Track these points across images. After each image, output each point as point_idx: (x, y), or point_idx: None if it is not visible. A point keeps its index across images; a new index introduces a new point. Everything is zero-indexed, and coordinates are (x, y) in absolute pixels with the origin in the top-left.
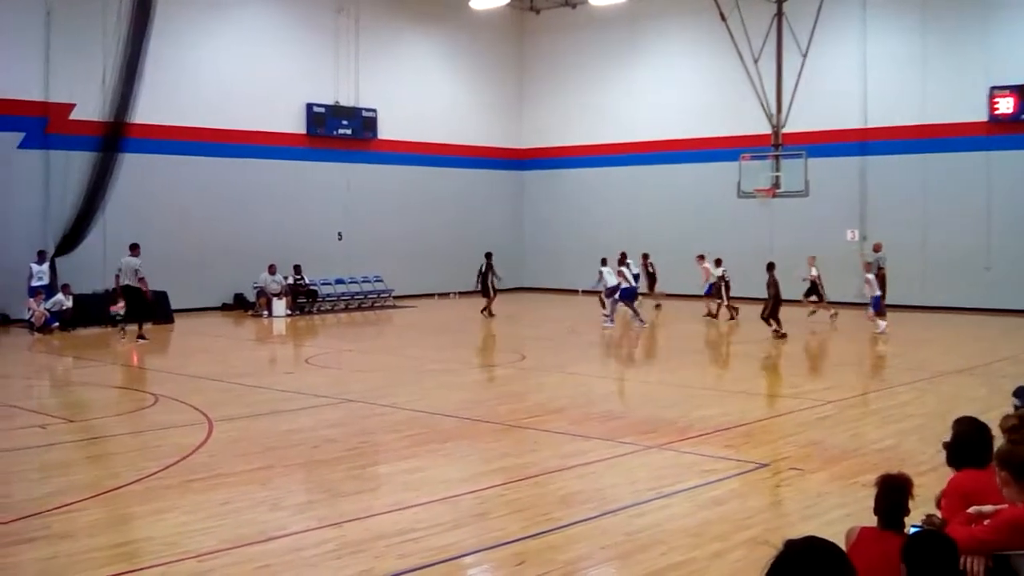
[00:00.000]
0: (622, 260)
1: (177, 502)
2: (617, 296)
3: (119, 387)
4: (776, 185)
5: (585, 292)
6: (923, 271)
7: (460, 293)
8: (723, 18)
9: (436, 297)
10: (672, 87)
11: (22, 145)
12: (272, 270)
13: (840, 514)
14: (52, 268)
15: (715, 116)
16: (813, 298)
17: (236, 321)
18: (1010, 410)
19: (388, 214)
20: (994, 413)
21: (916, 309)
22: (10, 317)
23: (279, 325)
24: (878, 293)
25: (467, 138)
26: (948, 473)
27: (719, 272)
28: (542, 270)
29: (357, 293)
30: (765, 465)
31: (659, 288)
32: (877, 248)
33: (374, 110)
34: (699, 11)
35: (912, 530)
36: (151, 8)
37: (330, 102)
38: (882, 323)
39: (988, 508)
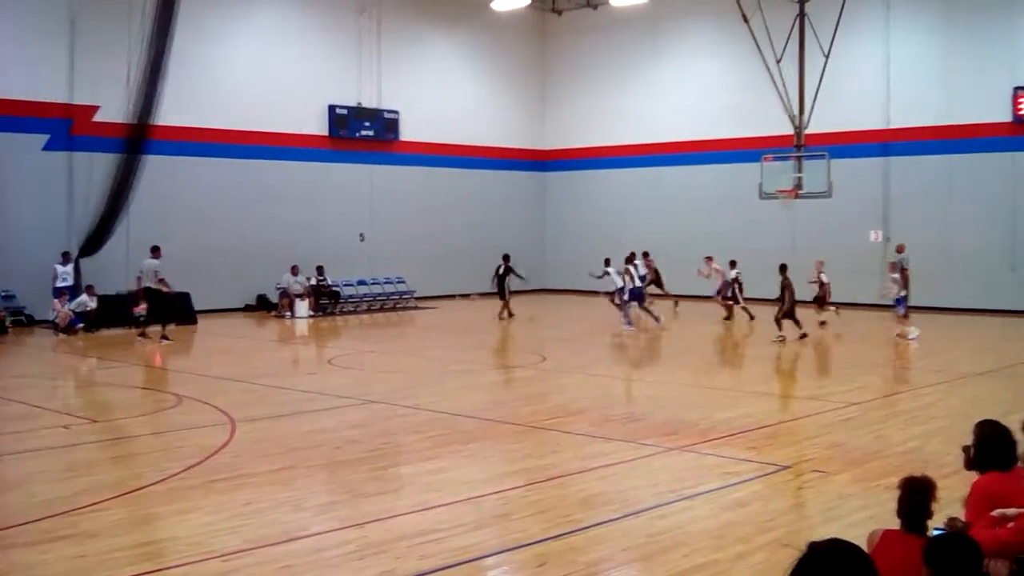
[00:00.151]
0: (629, 259)
1: (200, 502)
2: (627, 297)
3: (142, 388)
4: (798, 186)
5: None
6: (947, 272)
7: (481, 294)
8: (745, 19)
9: (457, 298)
10: (694, 88)
11: (47, 147)
12: (295, 271)
13: (862, 516)
14: (76, 269)
15: (737, 117)
16: (819, 299)
17: (259, 322)
18: None
19: (410, 215)
20: (1018, 416)
21: (940, 311)
22: (35, 318)
23: (301, 326)
24: (904, 293)
25: (489, 139)
26: (971, 476)
27: (734, 274)
28: (563, 271)
29: (379, 294)
30: (787, 467)
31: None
32: (900, 249)
33: (396, 111)
34: (721, 12)
35: (935, 533)
36: (175, 8)
37: (352, 104)
38: (915, 330)
39: (1012, 511)
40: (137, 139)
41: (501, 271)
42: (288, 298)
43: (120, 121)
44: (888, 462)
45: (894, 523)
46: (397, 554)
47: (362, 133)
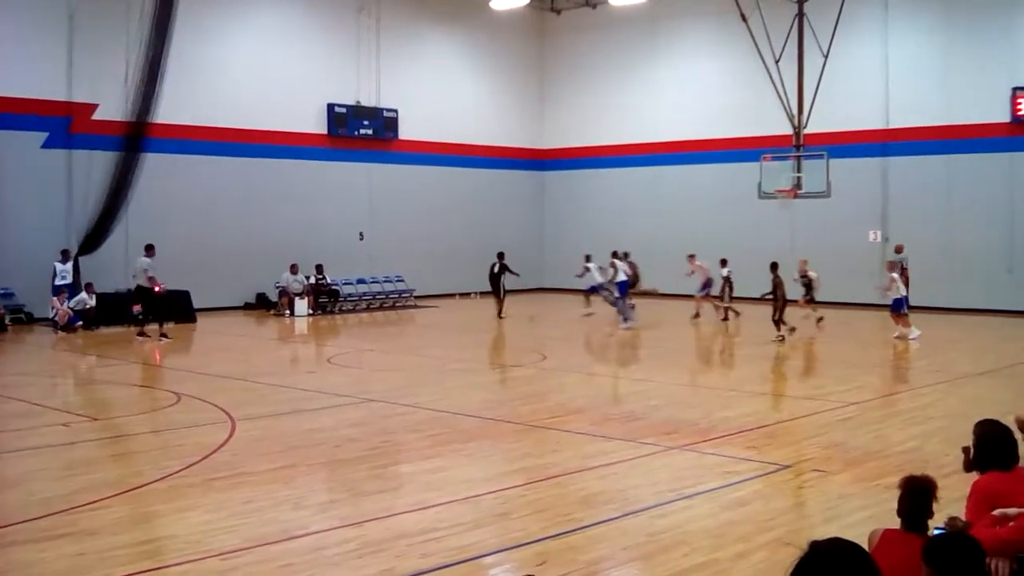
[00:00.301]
0: (615, 255)
1: (200, 501)
2: (618, 293)
3: (142, 386)
4: (797, 186)
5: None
6: (946, 273)
7: (481, 293)
8: (744, 19)
9: (457, 297)
10: (693, 87)
11: (45, 145)
12: (294, 270)
13: (862, 516)
14: (75, 267)
15: (736, 116)
16: (808, 297)
17: (258, 321)
18: None
19: (409, 214)
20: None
21: (938, 311)
22: (34, 316)
23: (301, 325)
24: (904, 294)
25: (488, 138)
26: (971, 477)
27: (725, 272)
28: (562, 270)
29: (379, 293)
30: (787, 467)
31: (647, 285)
32: (899, 250)
33: (395, 110)
34: (720, 11)
35: (935, 532)
36: (173, 6)
37: (351, 102)
38: (915, 330)
39: (1013, 511)
40: (136, 137)
41: (496, 269)
42: (287, 297)
43: (119, 119)
44: (888, 462)
45: (894, 522)
46: (396, 552)
47: (361, 132)
